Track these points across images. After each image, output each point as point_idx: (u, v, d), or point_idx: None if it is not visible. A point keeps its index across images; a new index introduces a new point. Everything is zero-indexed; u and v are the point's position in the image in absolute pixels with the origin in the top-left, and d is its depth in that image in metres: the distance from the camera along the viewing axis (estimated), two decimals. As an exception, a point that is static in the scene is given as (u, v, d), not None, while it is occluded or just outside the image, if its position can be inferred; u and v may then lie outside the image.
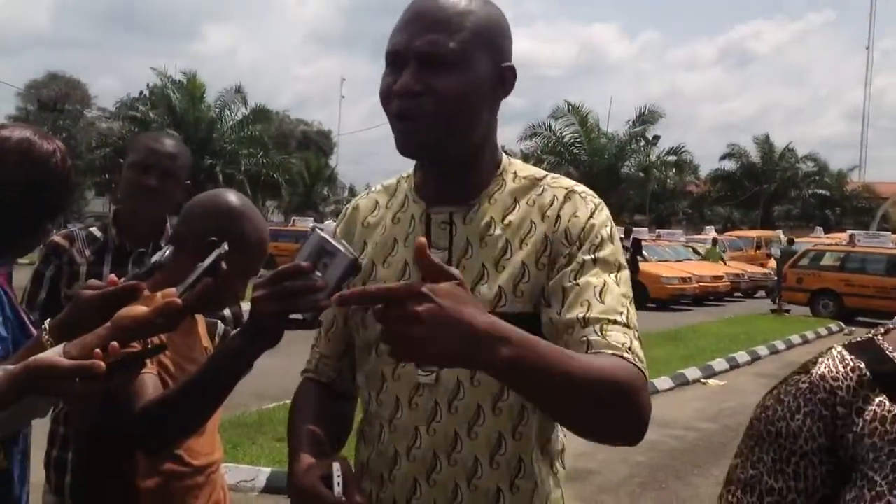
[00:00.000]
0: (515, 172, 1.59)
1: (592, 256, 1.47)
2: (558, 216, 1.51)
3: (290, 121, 59.54)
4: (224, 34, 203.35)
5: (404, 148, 1.52)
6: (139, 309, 1.49)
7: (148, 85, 39.18)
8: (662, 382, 10.18)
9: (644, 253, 21.80)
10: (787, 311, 19.64)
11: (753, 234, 35.46)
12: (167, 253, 1.69)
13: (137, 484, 1.81)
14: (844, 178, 51.43)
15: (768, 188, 49.41)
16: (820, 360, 1.29)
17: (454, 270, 1.23)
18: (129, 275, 1.69)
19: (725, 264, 25.39)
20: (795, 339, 15.00)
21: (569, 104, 36.72)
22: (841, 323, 18.13)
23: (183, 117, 37.02)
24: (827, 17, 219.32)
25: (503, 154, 1.61)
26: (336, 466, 1.37)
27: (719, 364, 11.80)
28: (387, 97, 1.50)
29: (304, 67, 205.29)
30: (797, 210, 50.28)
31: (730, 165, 51.63)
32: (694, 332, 14.87)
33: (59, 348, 1.44)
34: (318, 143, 61.82)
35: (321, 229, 1.45)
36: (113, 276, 1.57)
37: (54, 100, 46.46)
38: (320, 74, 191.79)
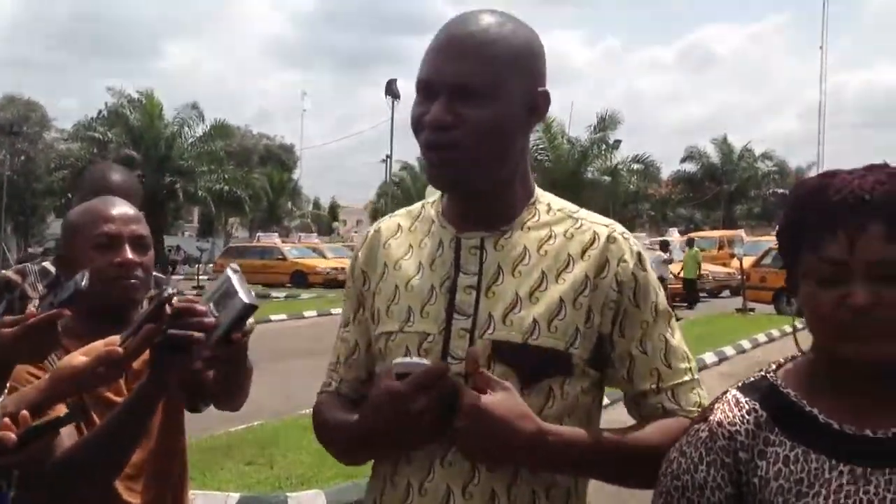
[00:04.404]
0: (549, 204, 1.58)
1: (653, 315, 1.50)
2: (606, 261, 1.49)
3: (251, 135, 59.15)
4: (184, 50, 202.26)
5: (436, 180, 1.51)
6: (79, 359, 1.45)
7: (106, 104, 38.75)
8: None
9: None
10: (752, 309, 19.82)
11: (716, 234, 35.80)
12: (86, 279, 1.64)
13: None
14: (803, 176, 52.15)
15: (728, 188, 49.99)
16: (716, 405, 1.29)
17: (505, 383, 1.39)
18: (48, 302, 1.66)
19: (700, 271, 22.86)
20: (761, 337, 15.14)
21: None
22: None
23: (141, 136, 36.63)
24: (783, 18, 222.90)
25: (535, 184, 1.59)
26: (397, 361, 1.44)
27: (686, 366, 11.85)
28: (418, 127, 1.48)
29: (266, 81, 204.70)
30: (758, 209, 50.90)
31: (690, 167, 52.22)
32: (661, 335, 14.91)
33: None
34: (280, 158, 61.43)
35: (235, 271, 1.50)
36: (31, 308, 1.54)
37: (11, 123, 45.72)
38: (282, 88, 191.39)
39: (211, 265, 34.89)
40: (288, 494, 5.73)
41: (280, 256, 31.23)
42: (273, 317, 18.46)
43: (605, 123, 37.39)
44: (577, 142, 38.05)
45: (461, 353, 1.46)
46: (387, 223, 1.68)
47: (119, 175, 2.78)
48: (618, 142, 39.07)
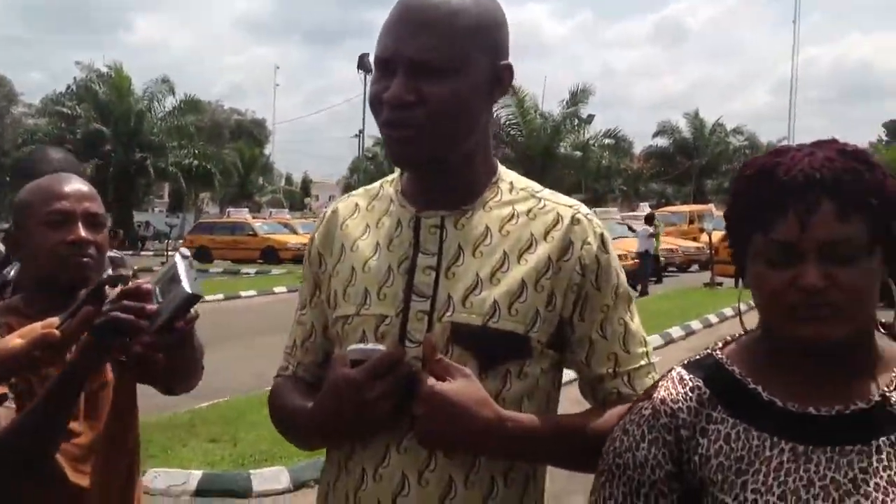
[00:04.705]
0: (512, 183, 1.54)
1: (614, 299, 1.49)
2: (569, 242, 1.46)
3: (222, 110, 58.61)
4: (154, 24, 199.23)
5: (397, 159, 1.46)
6: (15, 342, 1.41)
7: (75, 79, 38.19)
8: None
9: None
10: (720, 284, 19.95)
11: (686, 208, 35.94)
12: (13, 271, 1.62)
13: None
14: (774, 151, 52.40)
15: (699, 163, 50.24)
16: (661, 383, 1.27)
17: (464, 369, 1.37)
18: None
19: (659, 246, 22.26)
20: (728, 311, 15.18)
21: (511, 87, 36.84)
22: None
23: (111, 110, 36.16)
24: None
25: (497, 161, 1.55)
26: (351, 348, 1.41)
27: (653, 340, 11.92)
28: (377, 105, 1.42)
29: (237, 56, 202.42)
30: (728, 183, 51.12)
31: (662, 142, 52.53)
32: (630, 310, 14.98)
33: None
34: (251, 133, 60.93)
35: (185, 257, 1.47)
36: None
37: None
38: (254, 63, 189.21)
39: (180, 241, 34.62)
40: (251, 472, 5.72)
41: (251, 232, 30.96)
42: (243, 293, 18.38)
43: (577, 98, 37.40)
44: (549, 116, 38.06)
45: (419, 337, 1.42)
46: (344, 203, 1.63)
47: (58, 157, 2.74)
48: (591, 116, 39.30)
